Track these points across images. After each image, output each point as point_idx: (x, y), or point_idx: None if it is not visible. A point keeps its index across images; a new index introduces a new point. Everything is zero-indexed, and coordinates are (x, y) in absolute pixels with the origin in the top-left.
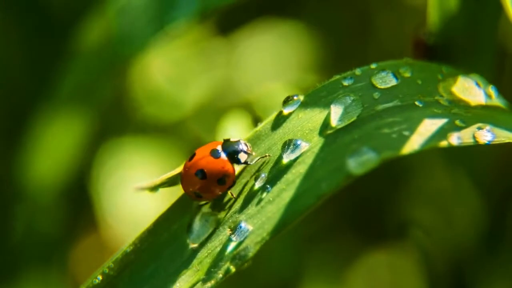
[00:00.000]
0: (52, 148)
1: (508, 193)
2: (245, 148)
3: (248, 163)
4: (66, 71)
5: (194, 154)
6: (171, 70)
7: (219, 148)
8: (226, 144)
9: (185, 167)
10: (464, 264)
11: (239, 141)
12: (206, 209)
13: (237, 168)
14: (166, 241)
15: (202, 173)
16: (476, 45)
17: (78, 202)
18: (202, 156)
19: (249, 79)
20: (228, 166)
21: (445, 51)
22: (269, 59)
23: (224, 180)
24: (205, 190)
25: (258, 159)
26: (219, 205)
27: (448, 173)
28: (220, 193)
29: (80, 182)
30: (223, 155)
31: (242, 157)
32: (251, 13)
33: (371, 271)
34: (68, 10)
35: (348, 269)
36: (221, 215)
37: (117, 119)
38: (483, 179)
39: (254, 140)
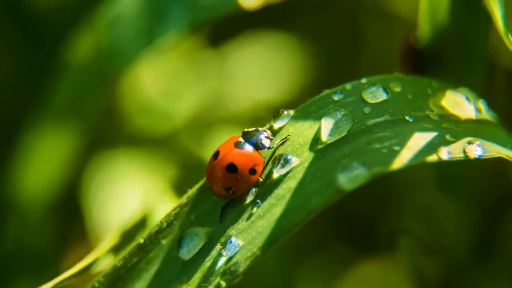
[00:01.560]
0: (43, 161)
1: (498, 205)
2: (265, 134)
3: (271, 147)
4: (56, 84)
5: (218, 152)
6: (162, 82)
7: (242, 139)
8: (246, 135)
9: (211, 166)
10: (454, 275)
11: (257, 129)
12: (196, 223)
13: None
14: (156, 256)
15: (233, 167)
16: (467, 57)
17: (69, 214)
18: (228, 150)
19: (240, 91)
20: (255, 154)
21: (436, 62)
22: (260, 72)
23: (255, 169)
24: (237, 183)
25: (280, 142)
26: (210, 219)
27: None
28: (251, 184)
29: (71, 194)
30: (248, 145)
31: (266, 143)
32: (242, 25)
33: (361, 282)
34: (58, 23)
35: (338, 280)
36: (212, 229)
37: (108, 131)
38: (473, 192)
39: None
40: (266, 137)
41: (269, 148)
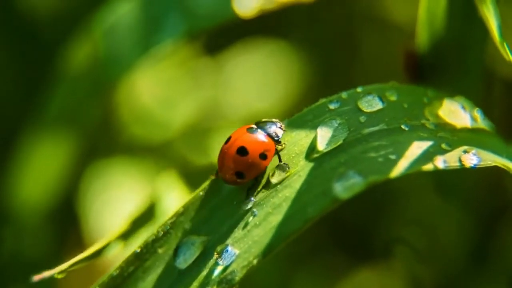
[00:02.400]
0: (39, 169)
1: (495, 213)
2: (279, 125)
3: (280, 142)
4: (53, 92)
5: (229, 137)
6: (158, 90)
7: (254, 126)
8: (260, 123)
9: (223, 151)
10: (450, 284)
11: (271, 120)
12: (193, 232)
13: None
14: (152, 265)
15: (243, 150)
16: (464, 66)
17: (65, 222)
18: (240, 135)
19: (236, 99)
20: (267, 140)
21: (434, 71)
22: (256, 80)
23: (265, 154)
24: (248, 167)
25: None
26: (206, 228)
27: (435, 193)
28: (262, 169)
29: (67, 202)
30: (260, 131)
31: (278, 132)
32: (238, 34)
33: None
34: (54, 31)
35: None
36: (208, 238)
37: (104, 139)
38: (470, 200)
39: None
40: (279, 127)
41: (278, 140)
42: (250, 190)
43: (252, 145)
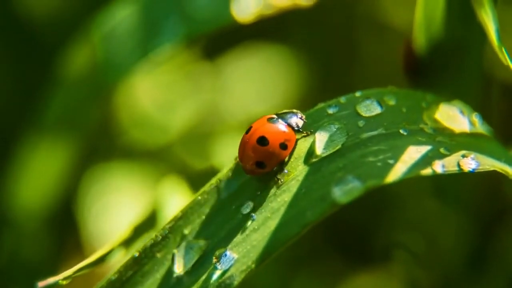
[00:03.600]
0: (38, 173)
1: (494, 217)
2: (299, 115)
3: (301, 130)
4: (51, 97)
5: (250, 127)
6: (157, 94)
7: (275, 116)
8: (281, 114)
9: (243, 140)
10: (449, 287)
11: (292, 110)
12: (191, 237)
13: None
14: (151, 270)
15: (264, 140)
16: (462, 70)
17: (64, 226)
18: (261, 125)
19: (235, 103)
20: (288, 130)
21: (432, 74)
22: (255, 84)
23: (286, 144)
24: (268, 157)
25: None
26: (205, 232)
27: (434, 197)
28: (282, 159)
29: (66, 207)
30: (281, 121)
31: (299, 122)
32: (237, 38)
33: None
34: (53, 35)
35: None
36: (207, 243)
37: (103, 144)
38: (468, 204)
39: (240, 167)
40: (300, 118)
41: (299, 130)
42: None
43: (272, 135)
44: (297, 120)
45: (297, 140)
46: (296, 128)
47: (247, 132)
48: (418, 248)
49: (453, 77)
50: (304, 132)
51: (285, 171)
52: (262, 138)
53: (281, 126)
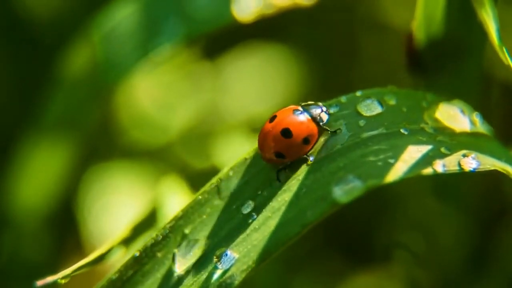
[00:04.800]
0: (38, 173)
1: (494, 217)
2: (324, 109)
3: (325, 125)
4: (51, 97)
5: (274, 116)
6: (157, 94)
7: (300, 109)
8: (306, 106)
9: (266, 129)
10: (450, 287)
11: (317, 103)
12: (192, 236)
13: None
14: (151, 269)
15: (288, 132)
16: (462, 69)
17: (64, 226)
18: (286, 116)
19: (235, 103)
20: (312, 125)
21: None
22: (255, 84)
23: (309, 139)
24: (289, 149)
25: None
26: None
27: (434, 197)
28: (302, 154)
29: (66, 207)
30: (306, 114)
31: (323, 117)
32: (237, 38)
33: None
34: (53, 35)
35: None
36: (207, 242)
37: (103, 143)
38: (469, 204)
39: (240, 167)
40: (325, 112)
41: (324, 124)
42: (280, 172)
43: (297, 128)
44: (322, 114)
45: (319, 135)
46: (320, 123)
47: (270, 121)
48: (418, 248)
49: (454, 77)
50: (328, 128)
51: (311, 158)
52: (286, 130)
53: (307, 120)
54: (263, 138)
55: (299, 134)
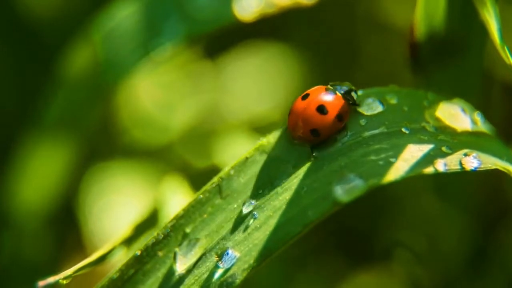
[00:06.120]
0: (39, 173)
1: (495, 216)
2: (354, 89)
3: (357, 104)
4: (52, 97)
5: (307, 94)
6: (158, 94)
7: (332, 87)
8: (336, 84)
9: (299, 107)
10: (450, 286)
11: (345, 83)
12: (193, 235)
13: None
14: (153, 268)
15: (323, 108)
16: (463, 68)
17: (65, 226)
18: (319, 93)
19: (236, 103)
20: (344, 103)
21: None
22: (256, 83)
23: (342, 116)
24: (324, 126)
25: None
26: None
27: (435, 197)
28: (337, 130)
29: (67, 206)
30: (338, 93)
31: (354, 96)
32: (238, 37)
33: None
34: (54, 35)
35: None
36: (208, 241)
37: (104, 143)
38: (470, 203)
39: (241, 166)
40: (354, 92)
41: (354, 103)
42: (315, 147)
43: (331, 105)
44: (352, 93)
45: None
46: (351, 102)
47: (303, 98)
48: (419, 247)
49: (454, 73)
50: (357, 106)
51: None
52: (322, 106)
53: (339, 97)
54: (296, 116)
55: (334, 110)
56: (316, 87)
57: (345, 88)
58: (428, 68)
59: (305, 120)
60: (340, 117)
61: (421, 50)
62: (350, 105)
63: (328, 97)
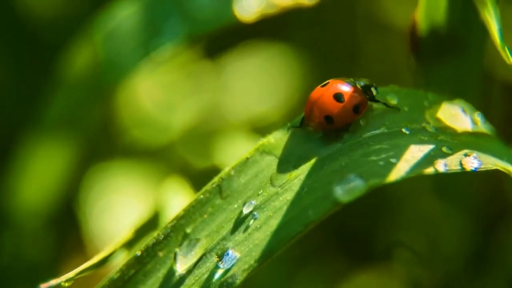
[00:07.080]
0: (39, 173)
1: (495, 216)
2: (374, 85)
3: (375, 99)
4: (52, 97)
5: (327, 82)
6: (158, 93)
7: (352, 80)
8: (356, 80)
9: (317, 93)
10: (451, 286)
11: (366, 79)
12: (193, 236)
13: None
14: (153, 268)
15: (340, 96)
16: (463, 68)
17: (66, 226)
18: (339, 82)
19: (237, 103)
20: (363, 96)
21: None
22: (257, 83)
23: (359, 108)
24: (339, 114)
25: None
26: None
27: (435, 197)
28: (351, 121)
29: (67, 206)
30: (358, 86)
31: (373, 91)
32: (239, 37)
33: None
34: (55, 35)
35: None
36: (209, 241)
37: (104, 143)
38: (470, 203)
39: (242, 166)
40: (375, 88)
41: (371, 99)
42: (338, 133)
43: (349, 95)
44: (372, 88)
45: (367, 108)
46: (371, 97)
47: (322, 86)
48: (419, 247)
49: (454, 76)
50: (376, 102)
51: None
52: (339, 94)
53: (359, 90)
54: (312, 102)
55: (351, 100)
56: (335, 79)
57: (366, 83)
58: (429, 62)
59: (320, 105)
60: (356, 108)
61: (422, 44)
62: (368, 100)
63: (347, 87)
